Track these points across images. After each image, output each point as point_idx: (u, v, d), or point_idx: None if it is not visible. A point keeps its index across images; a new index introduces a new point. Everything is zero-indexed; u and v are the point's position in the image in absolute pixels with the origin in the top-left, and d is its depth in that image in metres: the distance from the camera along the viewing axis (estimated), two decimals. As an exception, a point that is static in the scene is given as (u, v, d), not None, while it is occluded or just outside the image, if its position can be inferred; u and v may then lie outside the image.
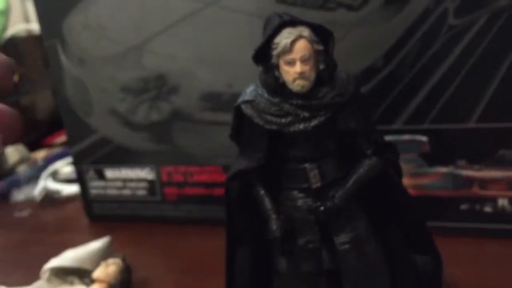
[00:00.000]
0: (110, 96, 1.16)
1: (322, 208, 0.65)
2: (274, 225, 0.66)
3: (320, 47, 0.61)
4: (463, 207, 1.00)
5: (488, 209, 0.99)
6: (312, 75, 0.61)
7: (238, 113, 0.67)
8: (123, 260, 0.96)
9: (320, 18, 0.96)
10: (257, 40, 1.00)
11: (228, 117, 1.09)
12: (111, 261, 0.94)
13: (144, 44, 1.09)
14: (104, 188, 1.26)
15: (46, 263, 0.95)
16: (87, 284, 0.93)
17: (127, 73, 1.13)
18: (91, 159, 1.24)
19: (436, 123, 0.96)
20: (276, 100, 0.64)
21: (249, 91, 0.66)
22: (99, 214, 1.28)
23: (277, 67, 0.62)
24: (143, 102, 1.14)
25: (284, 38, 0.60)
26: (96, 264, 0.95)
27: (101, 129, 1.20)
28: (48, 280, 0.91)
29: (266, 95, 0.64)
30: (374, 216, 0.69)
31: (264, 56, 0.63)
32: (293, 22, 0.61)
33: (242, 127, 0.67)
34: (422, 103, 0.95)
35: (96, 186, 1.26)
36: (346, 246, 0.67)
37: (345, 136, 0.66)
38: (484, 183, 0.98)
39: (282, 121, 0.63)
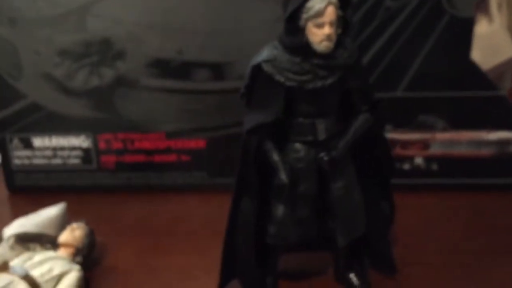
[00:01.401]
0: (45, 60, 1.11)
1: (326, 158, 0.74)
2: (283, 174, 0.73)
3: (340, 13, 0.69)
4: (387, 165, 1.16)
5: (406, 166, 1.16)
6: (335, 38, 0.69)
7: (255, 71, 0.72)
8: (87, 224, 0.95)
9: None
10: (211, 8, 1.05)
11: (176, 84, 1.12)
12: (75, 225, 0.93)
13: (89, 7, 1.06)
14: (30, 157, 1.19)
15: (3, 230, 0.90)
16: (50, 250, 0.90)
17: (67, 36, 1.09)
18: (16, 126, 1.16)
19: (371, 92, 1.10)
20: (297, 59, 0.70)
21: (266, 53, 0.72)
22: (22, 185, 1.22)
23: (303, 29, 0.69)
24: (83, 67, 1.11)
25: (317, 3, 0.67)
26: (58, 230, 0.92)
27: (32, 94, 1.14)
28: (11, 247, 0.87)
29: (287, 55, 0.70)
30: (357, 164, 0.80)
31: (289, 18, 0.69)
32: None
33: (256, 85, 0.73)
34: (360, 74, 1.08)
35: (20, 156, 1.19)
36: (342, 191, 0.77)
37: (345, 93, 0.75)
38: (404, 144, 1.15)
39: (302, 79, 0.70)
